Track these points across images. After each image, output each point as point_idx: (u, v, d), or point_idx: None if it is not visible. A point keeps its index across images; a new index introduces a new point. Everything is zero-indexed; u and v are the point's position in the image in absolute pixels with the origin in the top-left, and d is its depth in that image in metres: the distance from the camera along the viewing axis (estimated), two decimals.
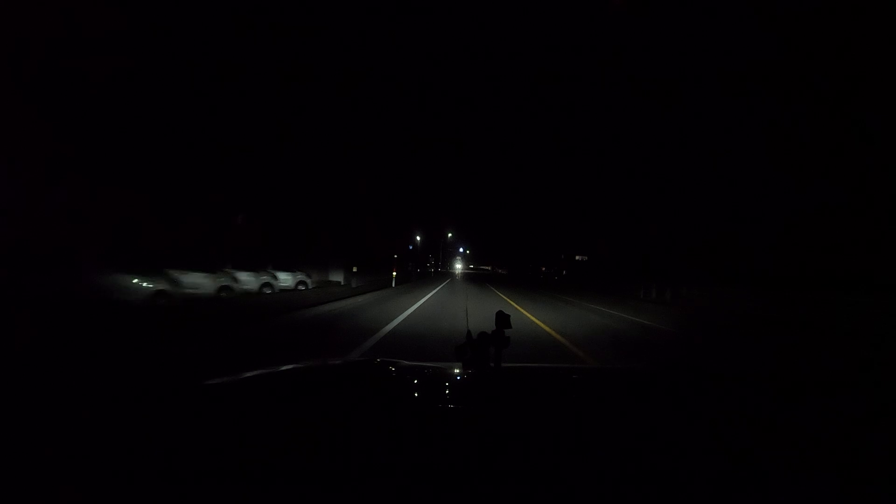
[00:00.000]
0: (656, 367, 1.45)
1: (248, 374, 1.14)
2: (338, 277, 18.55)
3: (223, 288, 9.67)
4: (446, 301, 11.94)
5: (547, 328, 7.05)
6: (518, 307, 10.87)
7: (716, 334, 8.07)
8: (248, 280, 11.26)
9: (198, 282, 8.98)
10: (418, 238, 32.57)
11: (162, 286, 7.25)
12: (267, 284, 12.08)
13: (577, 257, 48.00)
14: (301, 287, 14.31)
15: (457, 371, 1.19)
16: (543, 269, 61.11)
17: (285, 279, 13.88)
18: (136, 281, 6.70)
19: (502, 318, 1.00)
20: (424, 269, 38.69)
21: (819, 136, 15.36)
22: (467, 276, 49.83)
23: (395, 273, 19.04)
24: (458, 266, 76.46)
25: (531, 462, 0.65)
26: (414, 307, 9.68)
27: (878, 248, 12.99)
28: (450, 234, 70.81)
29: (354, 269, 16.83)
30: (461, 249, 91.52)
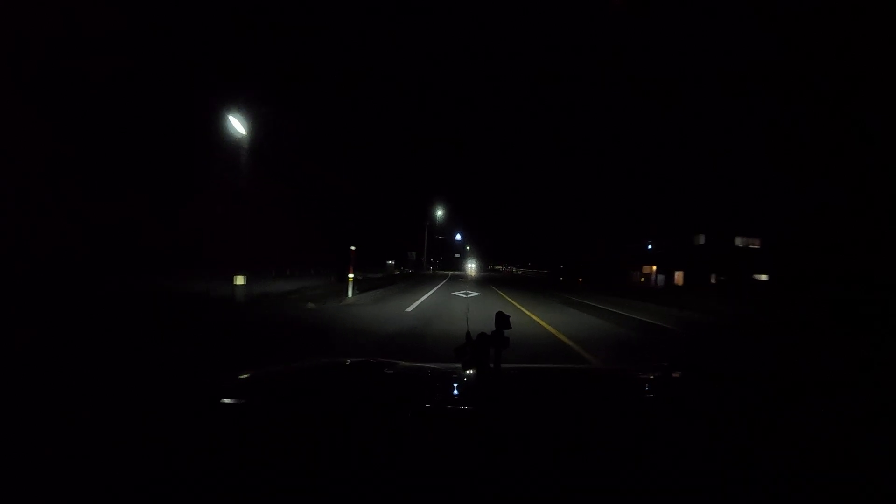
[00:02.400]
0: (656, 367, 1.44)
1: (247, 374, 1.14)
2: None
3: None
4: None
5: None
6: None
7: (717, 334, 8.06)
8: None
9: None
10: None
11: None
12: None
13: (737, 240, 23.63)
14: None
15: (457, 372, 1.19)
16: (643, 274, 29.93)
17: None
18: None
19: (502, 319, 1.00)
20: (376, 266, 21.21)
21: (819, 136, 15.36)
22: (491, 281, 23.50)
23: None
24: (471, 265, 55.44)
25: (531, 462, 0.65)
26: None
27: (878, 248, 12.99)
28: (439, 213, 45.65)
29: None
30: (458, 237, 65.91)
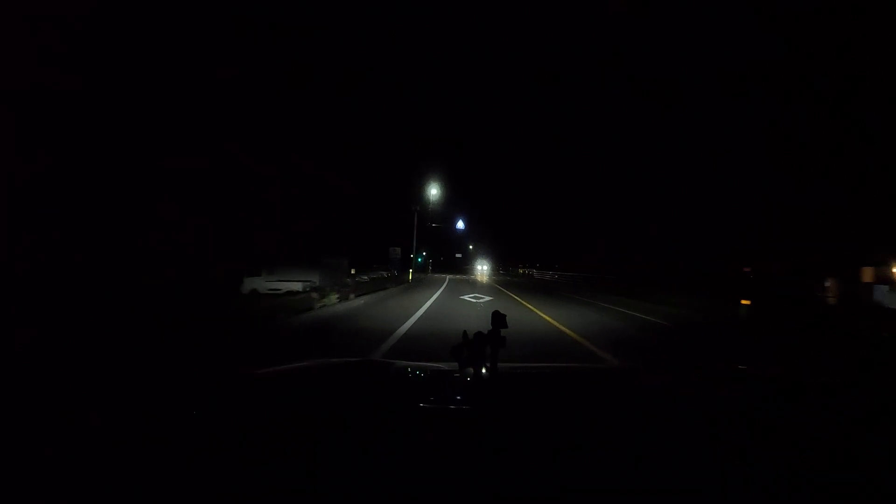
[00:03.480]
0: (654, 366, 1.44)
1: (247, 374, 1.14)
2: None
3: None
4: None
5: None
6: None
7: (717, 334, 8.05)
8: None
9: None
10: None
11: None
12: None
13: None
14: None
15: (453, 371, 1.19)
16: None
17: None
18: None
19: (498, 318, 1.00)
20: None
21: (819, 136, 15.33)
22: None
23: None
24: (481, 267, 46.01)
25: (528, 461, 0.65)
26: None
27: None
28: (434, 192, 31.94)
29: None
30: (459, 225, 46.82)
